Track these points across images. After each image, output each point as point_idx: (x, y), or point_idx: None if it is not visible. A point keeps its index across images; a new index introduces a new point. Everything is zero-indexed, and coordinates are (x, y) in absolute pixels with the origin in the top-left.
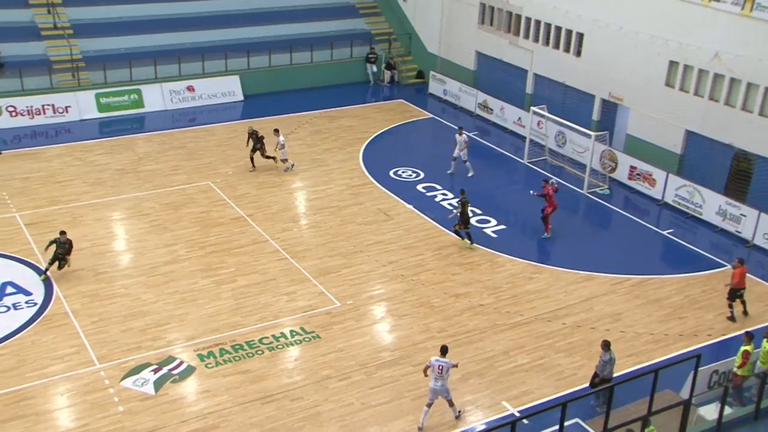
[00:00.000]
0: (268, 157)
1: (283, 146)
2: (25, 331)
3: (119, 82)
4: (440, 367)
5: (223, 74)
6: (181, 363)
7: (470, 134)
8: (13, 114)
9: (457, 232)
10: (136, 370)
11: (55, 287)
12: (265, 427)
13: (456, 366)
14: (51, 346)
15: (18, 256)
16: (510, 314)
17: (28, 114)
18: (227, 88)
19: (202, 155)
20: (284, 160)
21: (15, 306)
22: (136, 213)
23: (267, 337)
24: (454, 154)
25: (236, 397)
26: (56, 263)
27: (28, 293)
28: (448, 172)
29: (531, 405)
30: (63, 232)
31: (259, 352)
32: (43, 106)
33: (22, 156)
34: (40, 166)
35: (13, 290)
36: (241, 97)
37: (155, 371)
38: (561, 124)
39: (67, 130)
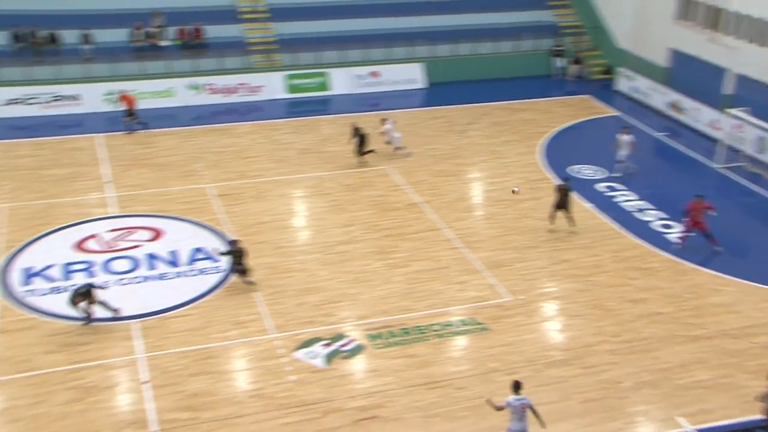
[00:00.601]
0: (363, 153)
1: (389, 132)
2: (211, 294)
3: (308, 64)
4: (523, 407)
5: (407, 61)
6: (352, 341)
7: (659, 134)
8: (212, 92)
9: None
10: (309, 343)
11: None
12: (429, 412)
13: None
14: (233, 312)
15: (209, 224)
16: (691, 326)
17: (225, 92)
18: (411, 75)
19: (382, 140)
20: (398, 148)
21: (204, 271)
22: (317, 192)
23: (435, 324)
24: (619, 157)
25: (402, 379)
26: (242, 273)
27: (215, 260)
28: (627, 172)
29: (711, 425)
30: (235, 241)
31: (427, 338)
32: (238, 85)
33: (217, 131)
34: (231, 142)
35: (203, 256)
36: (425, 85)
37: (326, 346)
38: (764, 129)
39: (257, 109)
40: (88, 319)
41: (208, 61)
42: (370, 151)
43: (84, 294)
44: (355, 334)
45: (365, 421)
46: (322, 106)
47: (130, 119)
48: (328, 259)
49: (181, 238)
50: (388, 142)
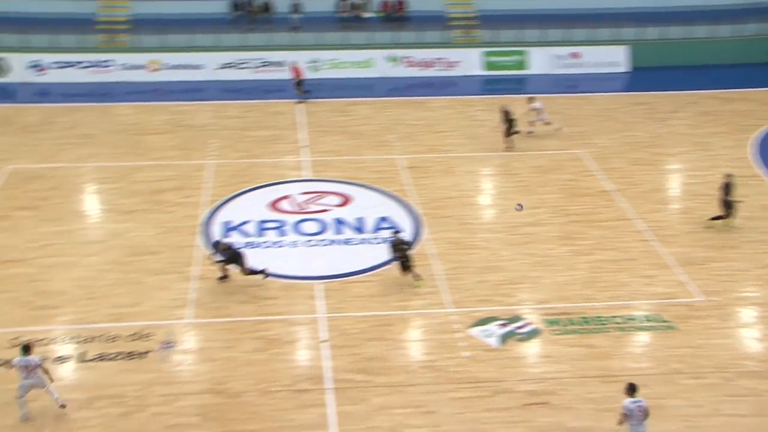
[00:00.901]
0: (511, 134)
1: (538, 111)
2: (393, 264)
3: (507, 42)
4: (640, 409)
5: (611, 43)
6: (528, 324)
7: None
8: (409, 65)
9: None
10: (485, 321)
11: (424, 230)
12: (602, 405)
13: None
14: (409, 283)
15: (396, 195)
16: None
17: (422, 66)
18: (613, 58)
19: (577, 123)
20: (547, 123)
21: (387, 240)
22: (505, 171)
23: (617, 317)
24: None
25: (577, 369)
26: (406, 268)
27: (400, 230)
28: None
29: None
30: (396, 232)
31: (607, 330)
32: (435, 59)
33: (412, 104)
34: (425, 115)
35: (388, 225)
36: (628, 68)
37: (502, 326)
38: None
39: (453, 84)
40: (266, 273)
41: (408, 34)
42: (515, 133)
43: (230, 253)
44: (532, 318)
45: (535, 406)
46: (518, 85)
47: (299, 88)
48: (511, 240)
49: (369, 206)
50: (547, 123)
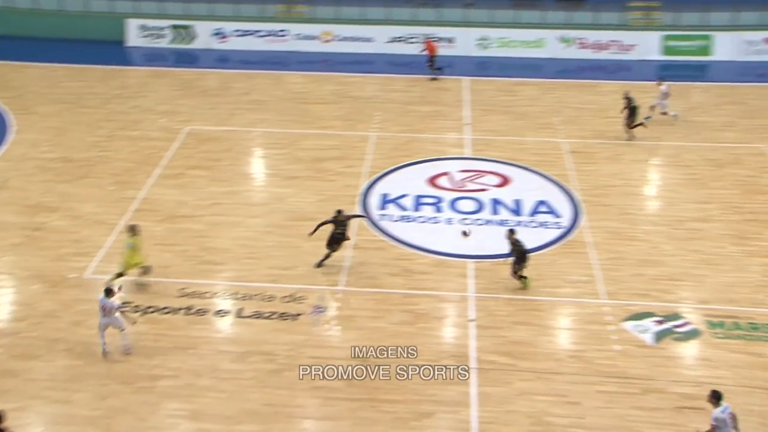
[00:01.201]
0: (634, 126)
1: (663, 95)
2: (547, 249)
3: (690, 25)
4: (731, 416)
5: None
6: (687, 323)
7: None
8: (582, 46)
9: None
10: (640, 316)
11: (582, 217)
12: (767, 418)
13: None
14: (566, 270)
15: (556, 179)
16: None
17: (595, 48)
18: None
19: (762, 115)
20: (664, 113)
21: (544, 224)
22: (675, 162)
23: None
24: None
25: (740, 377)
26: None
27: (557, 215)
28: None
29: None
30: (512, 230)
31: None
32: (610, 41)
33: (580, 87)
34: (593, 99)
35: (546, 210)
36: None
37: (658, 323)
38: None
39: (626, 68)
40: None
41: (584, 14)
42: (640, 124)
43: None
44: (692, 317)
45: (688, 410)
46: (699, 72)
47: (431, 65)
48: (675, 234)
49: (528, 188)
50: (663, 113)
